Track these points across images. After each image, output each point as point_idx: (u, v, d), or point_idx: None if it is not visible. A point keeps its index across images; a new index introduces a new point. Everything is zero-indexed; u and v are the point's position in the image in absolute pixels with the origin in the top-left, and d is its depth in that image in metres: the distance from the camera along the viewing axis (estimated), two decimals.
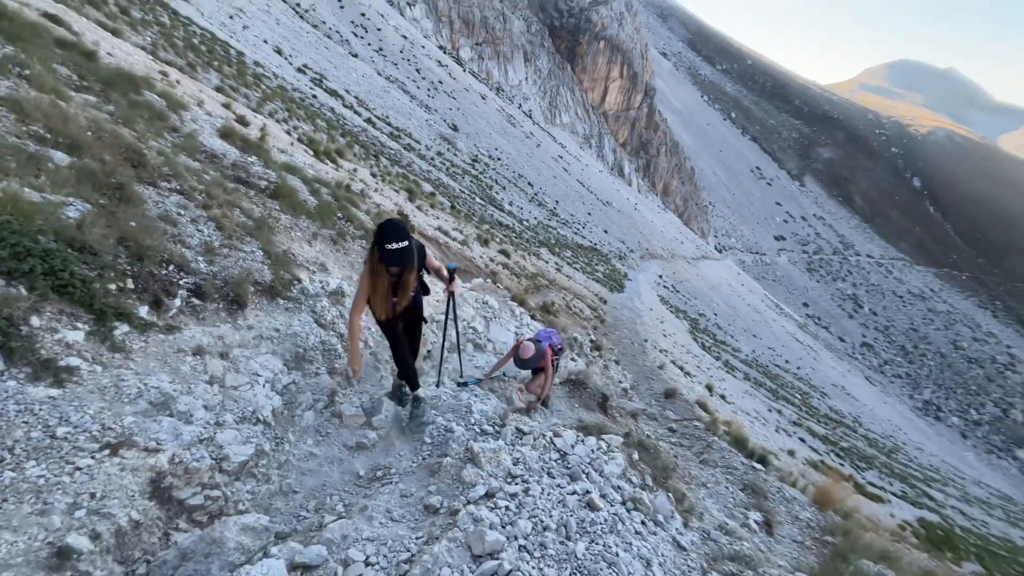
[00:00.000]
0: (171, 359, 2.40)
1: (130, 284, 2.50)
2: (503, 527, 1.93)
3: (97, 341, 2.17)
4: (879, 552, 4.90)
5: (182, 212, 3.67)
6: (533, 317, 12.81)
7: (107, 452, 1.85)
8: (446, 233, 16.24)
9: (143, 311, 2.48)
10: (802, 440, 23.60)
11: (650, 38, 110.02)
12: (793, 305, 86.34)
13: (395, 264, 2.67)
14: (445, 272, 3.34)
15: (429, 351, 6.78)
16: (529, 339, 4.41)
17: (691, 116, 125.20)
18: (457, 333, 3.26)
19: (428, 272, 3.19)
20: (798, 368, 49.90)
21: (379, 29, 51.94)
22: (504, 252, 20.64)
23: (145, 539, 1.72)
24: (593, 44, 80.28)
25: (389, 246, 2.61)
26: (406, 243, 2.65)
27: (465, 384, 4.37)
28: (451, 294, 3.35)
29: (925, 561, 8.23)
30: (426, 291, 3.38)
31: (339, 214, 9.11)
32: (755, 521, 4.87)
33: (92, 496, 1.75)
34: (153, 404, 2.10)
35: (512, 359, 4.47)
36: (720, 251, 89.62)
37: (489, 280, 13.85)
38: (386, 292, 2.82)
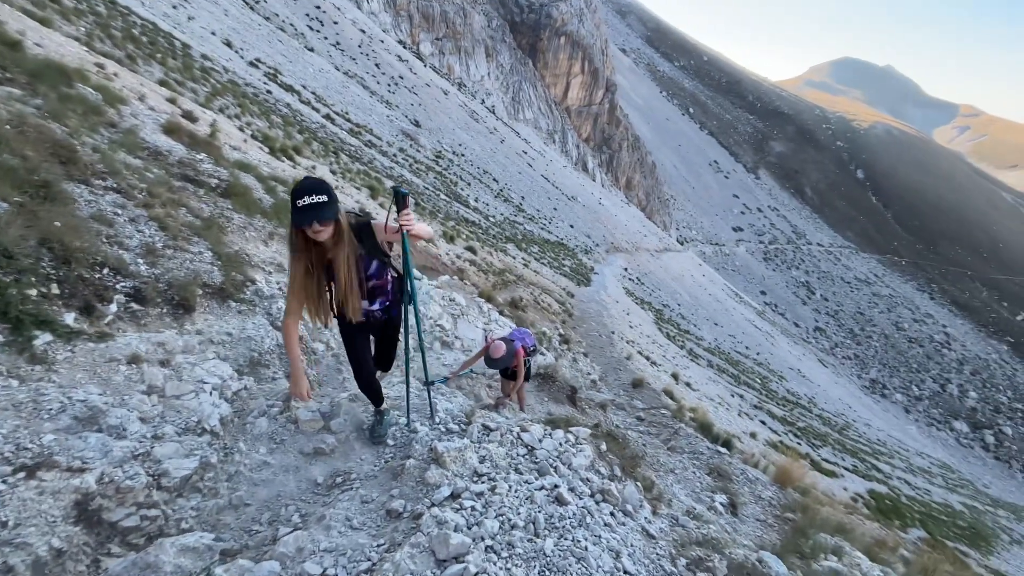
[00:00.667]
0: (102, 369, 2.19)
1: (55, 289, 2.28)
2: (469, 528, 1.87)
3: (14, 352, 1.96)
4: (835, 525, 5.15)
5: (119, 212, 3.40)
6: (501, 313, 12.78)
7: (22, 475, 1.69)
8: None
9: (69, 318, 2.27)
10: (763, 422, 24.59)
11: (610, 34, 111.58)
12: (751, 293, 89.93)
13: (306, 222, 1.98)
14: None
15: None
16: (501, 338, 4.31)
17: (651, 111, 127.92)
18: (417, 318, 2.43)
19: (387, 254, 2.43)
20: (757, 354, 51.98)
21: (335, 22, 50.47)
22: (471, 249, 20.49)
23: (70, 568, 1.55)
24: (554, 40, 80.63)
25: (300, 202, 1.96)
26: (324, 197, 1.98)
27: (432, 383, 4.27)
28: (403, 233, 2.22)
29: (876, 531, 8.72)
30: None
31: None
32: (721, 503, 5.02)
33: (3, 525, 1.58)
34: (78, 419, 1.91)
35: (483, 358, 4.37)
36: (682, 243, 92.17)
37: (456, 277, 13.72)
38: (303, 277, 2.13)
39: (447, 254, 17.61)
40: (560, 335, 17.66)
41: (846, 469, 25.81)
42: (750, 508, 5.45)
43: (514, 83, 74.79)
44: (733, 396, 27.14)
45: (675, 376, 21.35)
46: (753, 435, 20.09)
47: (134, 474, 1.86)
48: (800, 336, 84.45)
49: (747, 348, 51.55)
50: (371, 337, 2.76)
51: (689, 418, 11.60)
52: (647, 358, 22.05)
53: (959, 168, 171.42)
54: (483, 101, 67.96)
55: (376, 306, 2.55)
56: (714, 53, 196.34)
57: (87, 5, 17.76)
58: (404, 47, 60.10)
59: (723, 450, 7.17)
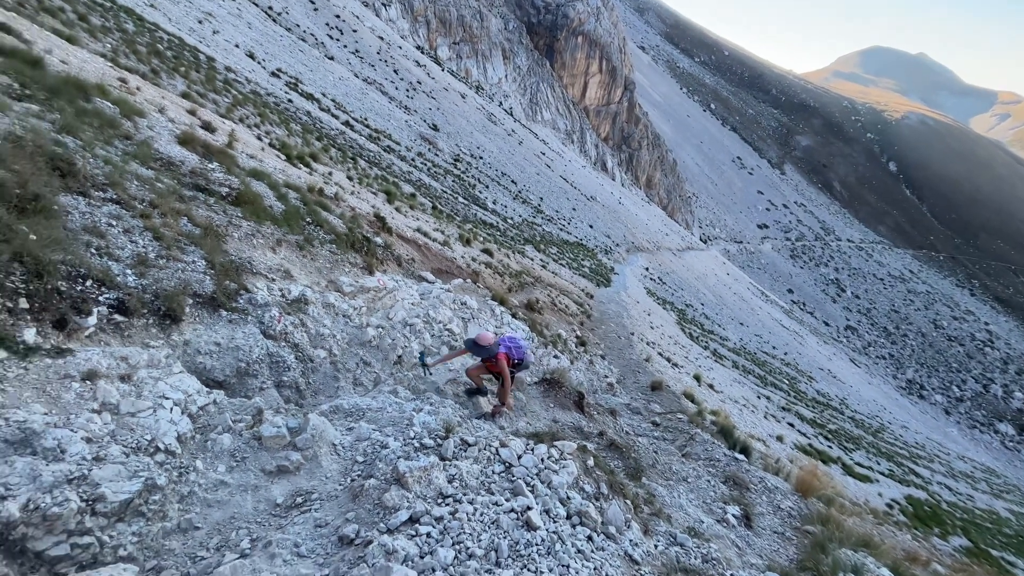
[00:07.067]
0: (53, 387, 2.16)
1: (23, 304, 2.27)
2: (421, 558, 1.75)
3: None
4: (860, 539, 4.84)
5: (114, 223, 3.43)
6: (514, 315, 12.66)
7: None
8: (426, 234, 16.04)
9: (29, 334, 2.25)
10: (791, 425, 23.81)
11: (627, 32, 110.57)
12: (778, 292, 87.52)
13: None
14: None
15: (400, 356, 6.59)
16: (491, 333, 4.36)
17: (671, 108, 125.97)
18: None
19: None
20: (785, 354, 50.48)
21: (355, 31, 51.36)
22: (487, 251, 20.43)
23: None
24: (571, 40, 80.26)
25: None
26: None
27: (425, 363, 4.43)
28: None
29: (909, 543, 8.26)
30: None
31: (308, 219, 8.89)
32: (733, 515, 4.76)
33: None
34: (9, 442, 1.87)
35: (469, 351, 4.40)
36: (705, 241, 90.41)
37: (470, 280, 13.66)
38: None
39: (463, 257, 17.60)
40: (577, 337, 17.44)
41: (881, 474, 24.76)
42: (767, 520, 5.17)
43: (531, 85, 74.71)
44: (759, 398, 26.38)
45: (697, 378, 20.86)
46: (780, 438, 19.45)
47: (63, 500, 1.78)
48: (830, 335, 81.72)
49: (774, 348, 50.11)
50: None
51: (710, 422, 11.25)
52: (668, 359, 21.61)
53: (999, 157, 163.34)
54: (501, 103, 68.08)
55: None
56: (735, 47, 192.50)
57: (115, 23, 18.43)
58: (422, 52, 60.72)
59: (741, 457, 6.87)
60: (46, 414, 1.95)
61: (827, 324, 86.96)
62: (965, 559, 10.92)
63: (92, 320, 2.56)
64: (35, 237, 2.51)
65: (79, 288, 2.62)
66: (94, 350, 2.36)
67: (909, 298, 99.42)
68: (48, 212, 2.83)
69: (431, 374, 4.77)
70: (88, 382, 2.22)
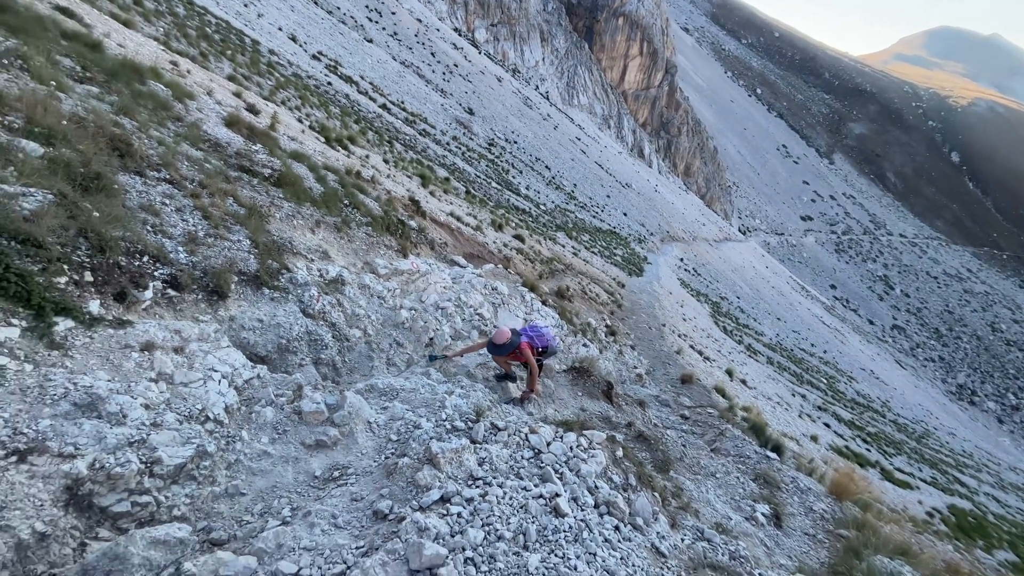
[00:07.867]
0: (115, 355, 2.32)
1: (88, 277, 2.43)
2: (452, 536, 1.81)
3: (34, 338, 2.10)
4: (897, 546, 4.66)
5: (167, 201, 3.62)
6: (544, 302, 12.63)
7: (14, 459, 1.75)
8: (459, 219, 16.10)
9: (94, 305, 2.41)
10: (827, 425, 23.03)
11: (671, 13, 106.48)
12: (820, 287, 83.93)
13: None
14: None
15: (432, 338, 6.71)
16: (510, 328, 4.34)
17: (714, 93, 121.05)
18: None
19: None
20: (824, 352, 48.60)
21: (393, 13, 51.45)
22: (519, 237, 20.38)
23: (55, 551, 1.64)
24: (611, 21, 78.00)
25: None
26: None
27: (434, 358, 4.39)
28: None
29: (950, 554, 7.90)
30: None
31: (345, 201, 9.06)
32: (763, 514, 4.67)
33: None
34: (77, 405, 2.02)
35: (492, 353, 4.38)
36: (744, 233, 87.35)
37: (501, 266, 13.69)
38: None
39: (494, 242, 17.62)
40: (607, 327, 17.29)
41: (923, 481, 23.71)
42: (798, 520, 5.05)
43: (569, 68, 73.24)
44: (794, 396, 25.59)
45: (730, 372, 20.42)
46: (814, 438, 18.87)
47: (125, 461, 1.93)
48: (875, 335, 77.98)
49: (812, 345, 48.29)
50: None
51: (741, 418, 11.00)
52: (700, 353, 21.20)
53: None
54: (537, 87, 67.13)
55: None
56: (786, 28, 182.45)
57: (167, 7, 19.05)
58: (459, 35, 60.34)
59: (772, 455, 6.70)
60: (109, 381, 2.11)
61: (872, 323, 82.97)
62: (1011, 575, 10.36)
63: (148, 294, 2.72)
64: (98, 214, 2.68)
65: (137, 263, 2.79)
66: (151, 323, 2.53)
67: (965, 298, 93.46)
68: (109, 190, 3.01)
69: (448, 359, 4.77)
70: (146, 352, 2.38)
